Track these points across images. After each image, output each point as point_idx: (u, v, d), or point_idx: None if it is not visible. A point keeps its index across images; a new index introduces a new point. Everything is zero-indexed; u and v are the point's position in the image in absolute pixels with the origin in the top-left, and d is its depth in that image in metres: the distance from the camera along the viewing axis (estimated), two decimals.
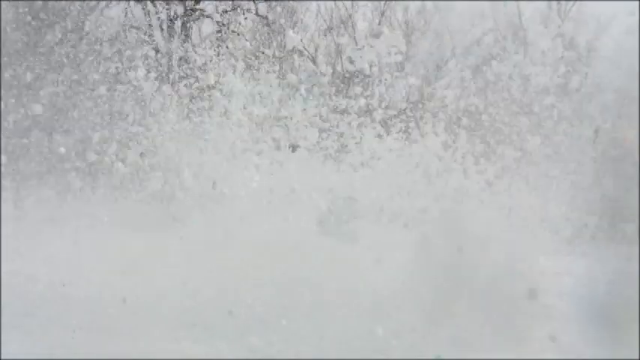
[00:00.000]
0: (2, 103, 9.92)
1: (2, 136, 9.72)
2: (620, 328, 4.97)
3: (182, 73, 11.19)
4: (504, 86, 8.26)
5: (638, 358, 4.36)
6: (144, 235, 6.91)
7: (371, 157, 8.07)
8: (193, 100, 9.61)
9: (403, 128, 9.13)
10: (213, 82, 8.44)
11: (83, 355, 4.43)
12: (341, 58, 19.40)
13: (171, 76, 10.40)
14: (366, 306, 5.45)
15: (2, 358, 4.31)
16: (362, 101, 8.41)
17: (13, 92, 10.27)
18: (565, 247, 7.69)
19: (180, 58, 12.00)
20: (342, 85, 12.42)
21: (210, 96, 8.61)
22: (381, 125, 8.65)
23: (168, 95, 9.33)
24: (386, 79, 8.69)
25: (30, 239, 7.29)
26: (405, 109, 10.06)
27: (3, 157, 8.95)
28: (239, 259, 5.82)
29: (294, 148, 7.67)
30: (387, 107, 9.41)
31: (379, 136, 8.36)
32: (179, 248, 6.21)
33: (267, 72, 9.06)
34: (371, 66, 7.69)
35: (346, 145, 8.47)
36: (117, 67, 11.17)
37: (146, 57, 11.19)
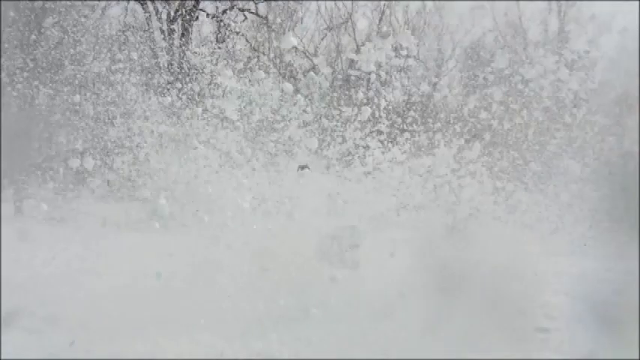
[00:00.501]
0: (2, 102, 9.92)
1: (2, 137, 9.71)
2: (620, 328, 4.97)
3: (175, 77, 10.96)
4: (533, 95, 7.75)
5: (638, 358, 4.36)
6: (143, 236, 6.90)
7: (375, 169, 7.68)
8: (188, 103, 9.42)
9: (412, 139, 8.51)
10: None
11: (83, 355, 4.43)
12: (341, 59, 19.41)
13: (160, 79, 10.13)
14: (366, 308, 5.48)
15: (2, 358, 4.31)
16: (367, 111, 7.91)
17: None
18: (565, 247, 7.69)
19: (170, 64, 11.80)
20: (344, 94, 11.98)
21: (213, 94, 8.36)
22: (388, 136, 8.22)
23: (159, 102, 9.15)
24: (394, 86, 8.15)
25: (30, 239, 7.30)
26: (416, 119, 9.50)
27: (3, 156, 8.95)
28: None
29: (302, 169, 7.22)
30: (394, 116, 8.77)
31: (384, 146, 7.94)
32: (178, 249, 6.19)
33: (265, 72, 8.86)
34: (378, 70, 7.32)
35: (349, 157, 8.15)
36: (101, 70, 10.83)
37: (134, 58, 10.89)
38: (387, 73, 7.67)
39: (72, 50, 11.08)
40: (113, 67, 10.46)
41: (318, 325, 5.17)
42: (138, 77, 10.04)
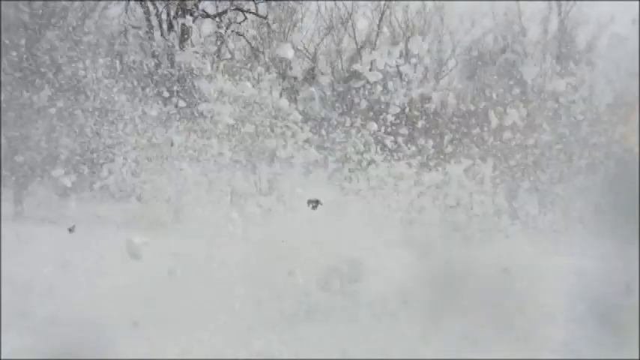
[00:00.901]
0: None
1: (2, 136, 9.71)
2: (620, 328, 4.97)
3: (168, 82, 10.78)
4: (564, 109, 7.27)
5: (638, 358, 4.37)
6: (143, 234, 6.88)
7: (381, 182, 7.37)
8: (176, 116, 9.25)
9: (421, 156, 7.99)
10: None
11: (83, 354, 4.43)
12: (341, 59, 19.40)
13: (148, 90, 9.90)
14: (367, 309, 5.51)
15: (2, 358, 4.31)
16: (373, 126, 7.60)
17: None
18: (565, 247, 7.69)
19: (168, 66, 11.63)
20: (345, 101, 11.54)
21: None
22: (395, 150, 7.85)
23: (145, 112, 8.99)
24: (404, 94, 7.71)
25: (30, 239, 7.30)
26: (425, 131, 8.94)
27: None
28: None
29: (314, 205, 6.76)
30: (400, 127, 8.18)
31: (389, 161, 7.64)
32: (177, 248, 6.18)
33: (265, 72, 8.69)
34: (385, 80, 6.96)
35: (351, 172, 7.84)
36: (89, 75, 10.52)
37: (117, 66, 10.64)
38: (393, 82, 7.35)
39: (66, 55, 10.96)
40: (103, 73, 10.23)
41: (318, 325, 5.19)
42: (122, 84, 9.85)
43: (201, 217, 6.93)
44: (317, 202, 6.35)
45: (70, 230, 6.66)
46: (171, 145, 8.20)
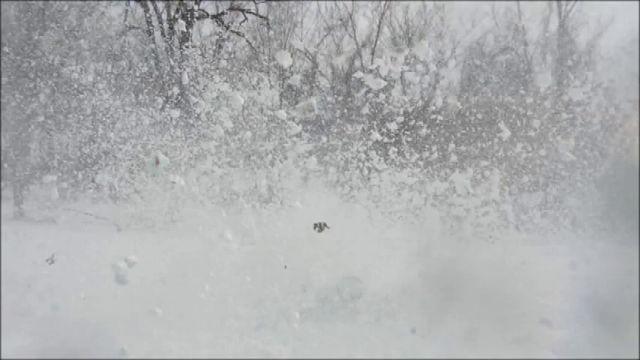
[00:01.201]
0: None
1: (2, 138, 9.72)
2: (620, 328, 4.97)
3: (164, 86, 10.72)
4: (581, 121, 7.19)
5: (638, 358, 4.37)
6: (142, 236, 6.90)
7: (384, 192, 7.26)
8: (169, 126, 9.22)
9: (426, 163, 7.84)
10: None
11: (83, 354, 4.43)
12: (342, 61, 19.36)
13: (144, 97, 9.85)
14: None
15: (2, 358, 4.31)
16: (376, 135, 7.50)
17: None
18: (565, 247, 7.70)
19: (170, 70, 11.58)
20: (346, 107, 11.20)
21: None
22: (394, 156, 7.73)
23: (139, 120, 8.98)
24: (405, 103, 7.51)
25: (30, 239, 7.30)
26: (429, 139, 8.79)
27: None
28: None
29: (321, 227, 6.65)
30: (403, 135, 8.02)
31: (392, 169, 7.49)
32: (177, 248, 6.18)
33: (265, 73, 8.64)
34: (388, 88, 6.82)
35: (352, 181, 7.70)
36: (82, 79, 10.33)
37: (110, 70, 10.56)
38: (397, 90, 7.26)
39: (63, 58, 10.92)
40: (99, 77, 10.13)
41: (318, 325, 5.19)
42: (117, 89, 9.81)
43: (200, 218, 6.92)
44: (324, 225, 6.23)
45: (49, 261, 6.52)
46: (173, 184, 8.08)
